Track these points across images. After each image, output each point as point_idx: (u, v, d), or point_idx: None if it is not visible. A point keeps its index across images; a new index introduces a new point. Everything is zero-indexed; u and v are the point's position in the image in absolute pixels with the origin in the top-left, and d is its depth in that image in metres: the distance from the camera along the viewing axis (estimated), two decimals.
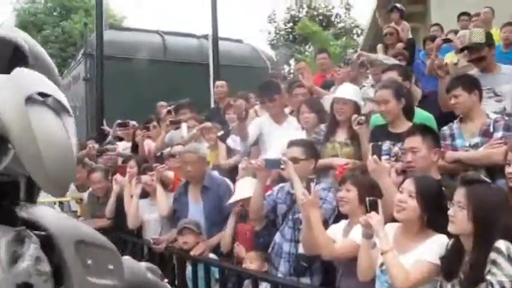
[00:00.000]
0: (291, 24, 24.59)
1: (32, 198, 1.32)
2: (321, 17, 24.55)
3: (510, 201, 2.51)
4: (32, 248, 1.18)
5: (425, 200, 2.44)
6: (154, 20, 39.31)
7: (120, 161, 5.94)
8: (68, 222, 1.32)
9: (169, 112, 5.89)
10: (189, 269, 3.75)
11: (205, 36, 11.53)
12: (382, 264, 2.48)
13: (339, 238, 2.93)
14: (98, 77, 8.66)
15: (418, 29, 10.61)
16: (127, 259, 1.46)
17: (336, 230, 3.00)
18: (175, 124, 5.52)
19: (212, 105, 8.42)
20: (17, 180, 1.27)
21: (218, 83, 7.27)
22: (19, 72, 1.15)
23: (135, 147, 6.23)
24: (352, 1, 25.80)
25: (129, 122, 7.01)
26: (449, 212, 2.23)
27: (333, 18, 25.03)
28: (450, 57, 5.49)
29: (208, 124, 5.07)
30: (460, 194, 2.21)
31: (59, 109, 1.15)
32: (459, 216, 2.18)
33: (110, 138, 7.31)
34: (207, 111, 7.32)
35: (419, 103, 4.37)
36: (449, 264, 2.25)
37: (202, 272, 3.62)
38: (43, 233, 1.14)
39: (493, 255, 2.05)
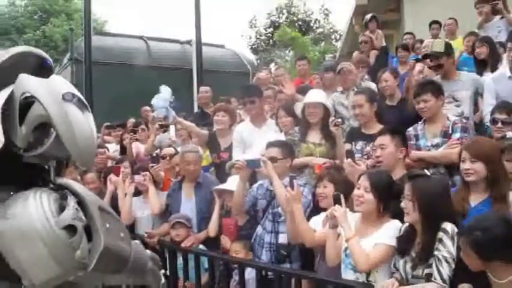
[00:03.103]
0: (271, 29, 24.97)
1: (59, 174, 1.71)
2: (300, 23, 25.01)
3: (462, 193, 2.94)
4: (72, 202, 1.58)
5: (379, 193, 2.81)
6: (135, 25, 39.26)
7: (110, 163, 6.20)
8: (90, 192, 1.69)
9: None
10: (180, 260, 4.06)
11: (189, 42, 11.79)
12: (346, 249, 2.84)
13: (319, 228, 3.23)
14: (86, 82, 8.78)
15: (393, 35, 11.03)
16: (136, 243, 1.82)
17: (317, 221, 3.30)
18: (163, 128, 5.83)
19: (196, 109, 8.67)
20: (49, 165, 1.65)
21: (202, 88, 7.52)
22: (53, 77, 1.53)
23: (123, 150, 6.50)
24: (331, 7, 26.31)
25: (117, 125, 7.27)
26: (402, 205, 2.62)
27: (312, 24, 25.52)
28: (418, 66, 5.90)
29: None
30: (407, 188, 2.61)
31: (81, 107, 1.54)
32: (409, 207, 2.57)
33: (99, 141, 7.55)
34: (192, 116, 7.59)
35: (397, 104, 4.76)
36: (403, 243, 2.63)
37: (192, 262, 3.90)
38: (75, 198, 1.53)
39: (440, 234, 2.46)
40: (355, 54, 7.89)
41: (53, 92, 1.47)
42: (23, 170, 1.58)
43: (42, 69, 1.64)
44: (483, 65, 5.29)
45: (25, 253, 1.42)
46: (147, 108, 7.89)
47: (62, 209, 1.50)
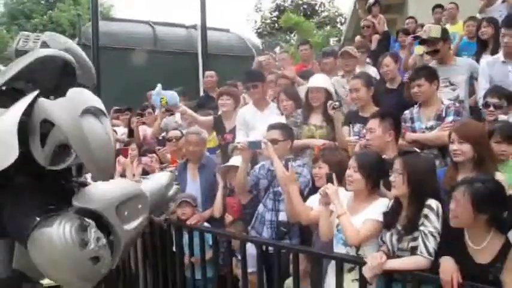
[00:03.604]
0: (276, 13, 24.94)
1: (79, 176, 1.90)
2: (305, 6, 24.96)
3: (451, 173, 3.11)
4: (93, 233, 1.79)
5: (366, 172, 2.99)
6: (142, 9, 39.12)
7: (118, 145, 6.40)
8: (109, 194, 1.87)
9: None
10: (185, 237, 4.27)
11: (194, 26, 11.86)
12: (338, 225, 3.03)
13: (316, 207, 3.38)
14: (94, 67, 8.93)
15: (396, 20, 11.09)
16: (151, 186, 2.02)
17: (314, 200, 3.45)
18: (170, 111, 6.00)
19: (201, 93, 8.82)
20: (70, 166, 1.82)
21: (208, 73, 7.65)
22: (72, 93, 1.65)
23: (131, 133, 6.71)
24: None
25: (125, 108, 7.45)
26: (391, 179, 2.80)
27: (317, 7, 25.46)
28: (418, 49, 6.02)
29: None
30: (397, 163, 2.78)
31: (98, 113, 1.69)
32: (398, 181, 2.74)
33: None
34: (198, 99, 7.75)
35: (397, 87, 4.86)
36: (389, 217, 2.82)
37: (197, 239, 4.11)
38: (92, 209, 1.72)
39: (425, 210, 2.64)
40: (357, 38, 8.00)
41: (69, 112, 1.59)
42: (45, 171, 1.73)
43: (67, 68, 1.77)
44: (484, 46, 5.35)
45: (55, 275, 1.62)
46: (152, 92, 8.05)
47: (83, 229, 1.68)
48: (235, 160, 4.22)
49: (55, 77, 1.74)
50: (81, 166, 1.95)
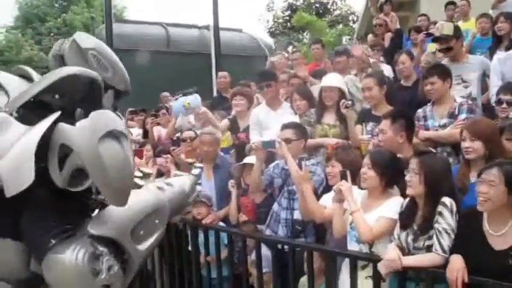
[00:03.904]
0: (288, 12, 24.94)
1: (99, 193, 1.90)
2: (317, 5, 24.93)
3: (463, 170, 3.13)
4: (105, 262, 1.82)
5: (380, 169, 3.02)
6: (155, 10, 39.30)
7: (133, 146, 6.48)
8: (126, 218, 1.88)
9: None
10: (201, 236, 4.32)
11: (207, 27, 11.93)
12: (351, 222, 3.07)
13: (329, 205, 3.40)
14: None
15: (409, 17, 11.04)
16: (173, 194, 2.04)
17: (327, 198, 3.47)
18: None
19: (215, 93, 8.88)
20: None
21: (221, 73, 7.67)
22: (94, 116, 1.65)
23: (146, 134, 6.78)
24: None
25: (140, 109, 7.53)
26: (406, 178, 2.81)
27: (329, 6, 25.41)
28: (431, 47, 6.02)
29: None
30: (414, 163, 2.79)
31: (119, 135, 1.69)
32: (414, 181, 2.75)
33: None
34: (211, 100, 7.80)
35: (412, 85, 4.84)
36: (405, 218, 2.82)
37: (213, 238, 4.14)
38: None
39: (440, 208, 2.65)
40: (370, 36, 8.00)
41: (91, 137, 1.60)
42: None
43: (93, 85, 1.79)
44: (499, 42, 5.31)
45: None
46: (166, 93, 8.15)
47: (96, 257, 1.73)
48: (251, 159, 4.27)
49: (82, 91, 1.77)
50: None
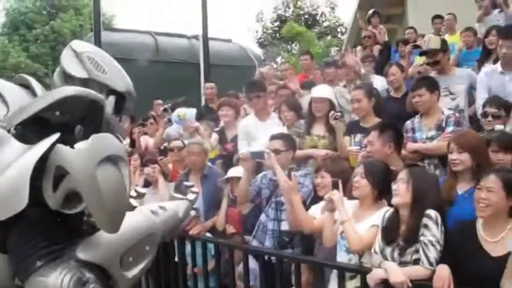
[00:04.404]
0: (278, 23, 25.08)
1: (91, 215, 1.85)
2: (306, 16, 25.12)
3: (450, 182, 3.14)
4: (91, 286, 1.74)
5: (373, 178, 3.03)
6: (144, 19, 39.26)
7: None
8: (116, 244, 1.83)
9: (165, 110, 6.41)
10: (188, 246, 4.29)
11: (196, 37, 11.91)
12: (342, 232, 3.06)
13: (318, 216, 3.43)
14: None
15: (397, 30, 11.16)
16: (165, 218, 2.00)
17: (316, 209, 3.51)
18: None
19: (203, 103, 8.87)
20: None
21: (207, 85, 7.71)
22: (94, 140, 1.61)
23: (133, 143, 6.72)
24: (337, 0, 26.36)
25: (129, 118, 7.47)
26: (394, 187, 2.82)
27: (318, 17, 25.60)
28: (419, 60, 6.08)
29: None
30: (403, 173, 2.81)
31: (117, 159, 1.65)
32: (402, 189, 2.76)
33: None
34: (198, 110, 7.79)
35: (401, 96, 4.90)
36: (388, 232, 2.82)
37: (200, 249, 4.13)
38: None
39: (425, 220, 2.66)
40: (358, 49, 8.06)
41: (88, 162, 1.56)
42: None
43: (94, 104, 1.76)
44: (488, 55, 5.36)
45: None
46: (159, 101, 8.12)
47: (82, 283, 1.68)
48: (235, 171, 4.25)
49: (83, 110, 1.73)
50: None
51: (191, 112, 5.32)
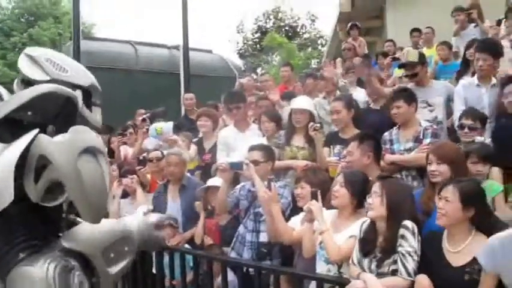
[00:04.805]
0: (258, 34, 25.25)
1: (70, 211, 1.85)
2: (287, 28, 25.33)
3: (428, 193, 3.16)
4: (76, 277, 1.74)
5: (352, 188, 3.05)
6: (124, 29, 39.12)
7: None
8: (97, 237, 1.84)
9: (144, 120, 6.35)
10: (166, 258, 4.23)
11: (176, 47, 11.90)
12: (321, 242, 3.06)
13: (298, 227, 3.40)
14: None
15: (376, 42, 11.31)
16: (141, 227, 1.98)
17: (296, 220, 3.48)
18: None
19: (183, 113, 8.82)
20: (62, 203, 1.77)
21: (187, 95, 7.67)
22: (74, 131, 1.61)
23: (112, 153, 6.64)
24: (317, 12, 26.68)
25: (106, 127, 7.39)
26: (368, 201, 2.82)
27: (298, 29, 25.84)
28: (398, 72, 6.16)
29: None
30: (376, 186, 2.81)
31: (96, 152, 1.65)
32: (376, 203, 2.77)
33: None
34: (178, 120, 7.75)
35: (380, 108, 4.91)
36: (366, 244, 2.81)
37: (178, 261, 4.08)
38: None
39: (402, 230, 2.66)
40: (338, 60, 8.13)
41: (70, 151, 1.57)
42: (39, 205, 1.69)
43: (68, 102, 1.75)
44: (467, 67, 5.42)
45: None
46: (142, 110, 8.05)
47: (67, 271, 1.66)
48: (214, 181, 4.23)
49: (56, 108, 1.72)
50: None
51: (168, 126, 5.31)
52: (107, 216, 2.58)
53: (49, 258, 1.66)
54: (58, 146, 1.57)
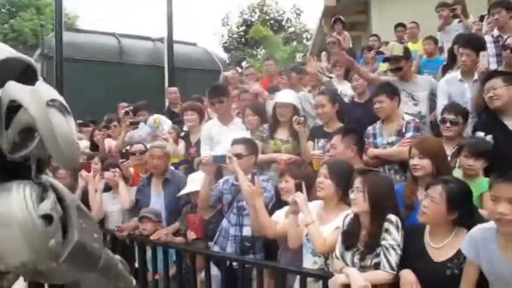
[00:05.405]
0: (243, 27, 25.16)
1: (37, 176, 1.82)
2: (272, 21, 25.28)
3: (411, 187, 3.18)
4: (52, 196, 1.71)
5: (336, 178, 3.04)
6: (108, 21, 38.70)
7: (81, 158, 6.27)
8: (70, 192, 1.81)
9: (127, 113, 6.30)
10: (149, 252, 4.20)
11: (161, 39, 11.81)
12: (307, 234, 3.05)
13: (281, 221, 3.40)
14: (57, 79, 8.73)
15: (361, 37, 11.32)
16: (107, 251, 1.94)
17: (280, 214, 3.49)
18: (134, 124, 5.94)
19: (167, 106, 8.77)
20: (30, 163, 1.76)
21: (170, 89, 7.61)
22: (39, 84, 1.62)
23: (95, 146, 6.58)
24: (302, 6, 26.68)
25: (90, 121, 7.33)
26: (351, 196, 2.82)
27: (283, 23, 25.82)
28: (383, 66, 6.17)
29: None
30: (357, 181, 2.80)
31: (63, 110, 1.65)
32: (359, 198, 2.76)
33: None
34: (161, 113, 7.68)
35: (364, 102, 4.94)
36: (348, 237, 2.82)
37: (161, 255, 4.06)
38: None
39: (386, 224, 2.67)
40: (323, 54, 8.13)
41: (38, 98, 1.57)
42: (6, 166, 1.67)
43: (27, 73, 1.73)
44: (454, 61, 5.43)
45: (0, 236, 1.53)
46: (124, 104, 7.98)
47: (42, 200, 1.62)
48: (193, 186, 4.18)
49: (14, 76, 1.69)
50: (41, 165, 1.87)
51: (167, 123, 5.38)
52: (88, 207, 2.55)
53: (21, 183, 1.63)
54: (27, 90, 1.55)
